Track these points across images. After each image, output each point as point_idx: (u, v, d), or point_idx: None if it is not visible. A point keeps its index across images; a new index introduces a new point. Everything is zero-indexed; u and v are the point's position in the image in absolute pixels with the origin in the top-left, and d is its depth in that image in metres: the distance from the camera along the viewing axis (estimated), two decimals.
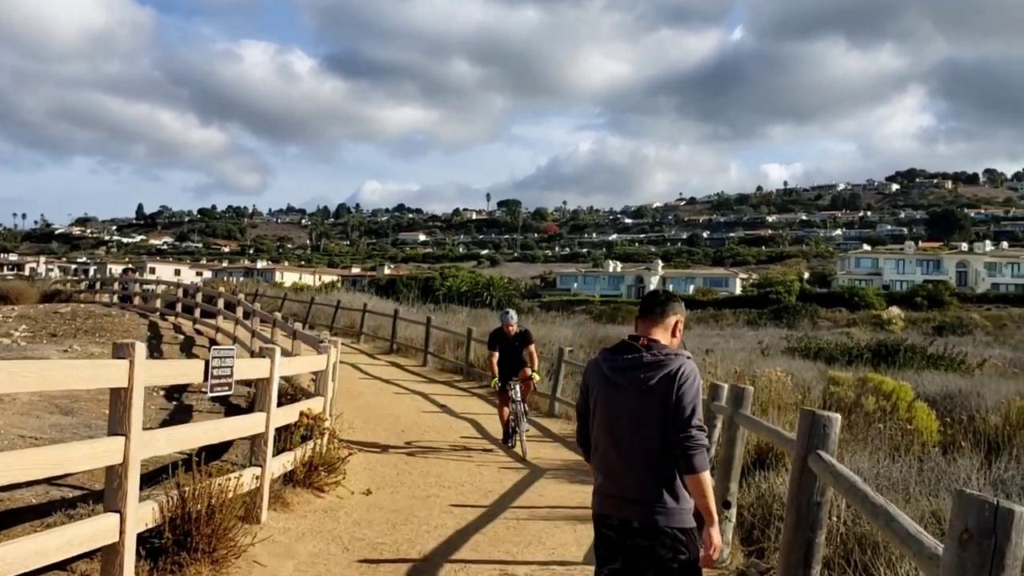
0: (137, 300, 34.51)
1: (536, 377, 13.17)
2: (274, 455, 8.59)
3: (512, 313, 13.60)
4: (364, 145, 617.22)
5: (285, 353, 16.47)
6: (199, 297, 27.51)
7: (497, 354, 13.10)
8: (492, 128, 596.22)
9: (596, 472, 4.15)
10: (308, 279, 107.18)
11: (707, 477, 3.90)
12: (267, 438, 7.74)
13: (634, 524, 3.89)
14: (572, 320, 44.10)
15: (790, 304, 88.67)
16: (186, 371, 7.17)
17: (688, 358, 4.08)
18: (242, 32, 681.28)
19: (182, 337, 24.12)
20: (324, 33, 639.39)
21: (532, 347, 13.28)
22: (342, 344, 28.26)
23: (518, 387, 12.86)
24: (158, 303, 31.53)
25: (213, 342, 24.16)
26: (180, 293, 30.28)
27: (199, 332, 25.95)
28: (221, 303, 25.03)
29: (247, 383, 16.34)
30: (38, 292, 38.44)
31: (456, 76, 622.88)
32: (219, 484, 6.79)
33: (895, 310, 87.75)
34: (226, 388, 7.17)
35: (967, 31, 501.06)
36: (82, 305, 32.33)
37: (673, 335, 4.15)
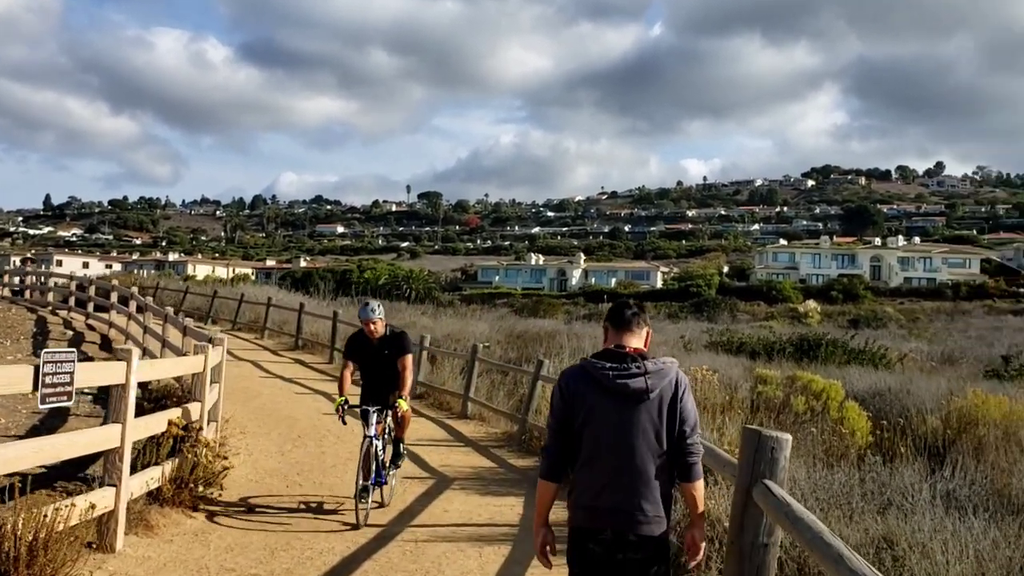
0: (29, 294, 32.58)
1: (404, 406, 9.07)
2: (138, 471, 7.43)
3: (375, 307, 9.17)
4: (281, 136, 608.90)
5: (176, 351, 15.23)
6: (92, 291, 25.83)
7: (353, 367, 9.39)
8: (412, 119, 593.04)
9: (583, 486, 3.94)
10: (222, 272, 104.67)
11: (703, 484, 4.03)
12: (122, 453, 6.55)
13: (630, 536, 3.83)
14: (493, 314, 43.15)
15: (710, 297, 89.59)
16: (10, 378, 5.93)
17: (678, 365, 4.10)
18: (154, 19, 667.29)
19: (71, 333, 22.49)
20: (239, 21, 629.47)
21: (408, 358, 9.10)
22: (245, 340, 27.15)
23: (384, 416, 9.20)
24: (50, 296, 29.70)
25: (105, 339, 22.64)
26: (73, 286, 28.49)
27: (91, 328, 24.33)
28: (114, 297, 23.45)
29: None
30: None
31: (374, 66, 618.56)
32: (48, 513, 5.62)
33: (811, 304, 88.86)
34: (64, 398, 6.01)
35: (880, 30, 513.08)
36: None
37: (645, 344, 4.10)
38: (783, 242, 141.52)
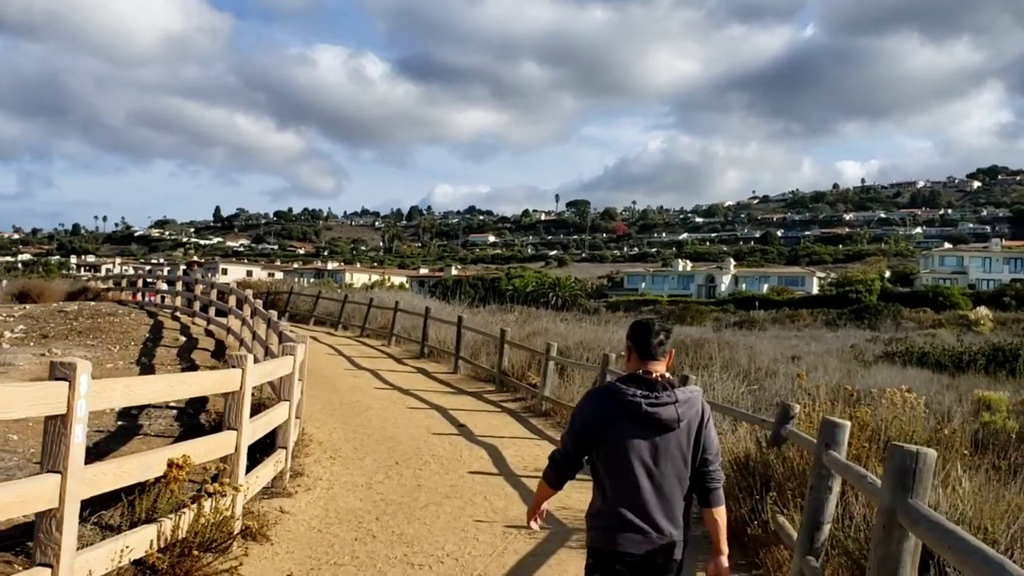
0: (158, 298, 31.89)
1: None
2: (117, 532, 5.40)
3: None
4: (435, 148, 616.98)
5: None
6: (213, 294, 24.64)
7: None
8: (561, 129, 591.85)
9: (611, 509, 3.97)
10: (389, 283, 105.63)
11: (724, 510, 4.10)
12: (61, 517, 4.46)
13: (658, 560, 3.91)
14: None
15: (871, 304, 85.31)
16: None
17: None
18: (316, 36, 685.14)
19: (184, 339, 21.20)
20: (395, 36, 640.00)
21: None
22: (370, 347, 25.55)
23: None
24: (178, 301, 28.81)
25: (221, 345, 21.28)
26: (181, 288, 27.57)
27: (210, 333, 23.07)
28: (232, 301, 22.08)
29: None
30: (63, 290, 36.07)
31: (525, 78, 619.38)
32: None
33: (983, 310, 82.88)
34: None
35: None
36: (92, 303, 29.72)
37: (668, 366, 4.09)
38: (948, 246, 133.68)
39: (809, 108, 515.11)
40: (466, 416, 14.67)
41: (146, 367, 17.43)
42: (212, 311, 24.34)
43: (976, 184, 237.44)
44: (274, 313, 16.72)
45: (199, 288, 27.55)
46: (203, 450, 6.51)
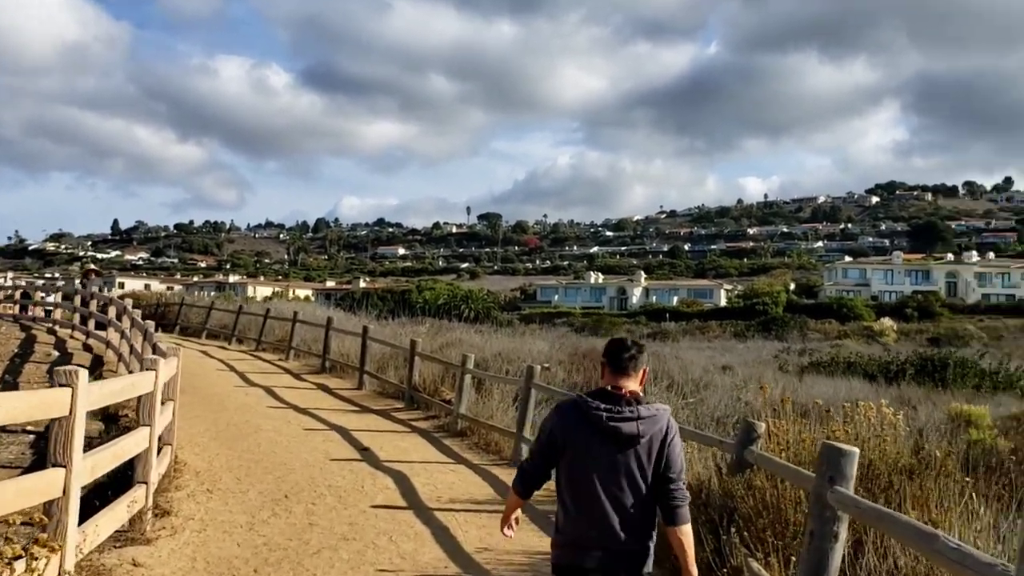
0: (41, 312, 29.45)
1: None
2: None
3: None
4: (343, 160, 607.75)
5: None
6: (93, 306, 22.53)
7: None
8: (471, 142, 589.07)
9: (569, 523, 3.99)
10: (290, 296, 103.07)
11: (690, 529, 4.05)
12: None
13: (621, 574, 3.92)
14: (552, 332, 39.37)
15: (778, 315, 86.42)
16: None
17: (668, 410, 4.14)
18: (218, 46, 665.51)
19: (57, 354, 19.11)
20: (299, 47, 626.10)
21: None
22: (266, 362, 23.69)
23: None
24: (57, 314, 26.52)
25: (99, 360, 19.29)
26: (60, 300, 25.31)
27: (88, 348, 21.01)
28: (112, 312, 20.06)
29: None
30: None
31: (434, 91, 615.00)
32: None
33: (887, 321, 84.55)
34: None
35: (940, 44, 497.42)
36: None
37: (641, 383, 4.13)
38: (848, 259, 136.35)
39: (713, 125, 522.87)
40: (371, 438, 13.07)
41: (9, 384, 15.45)
42: (92, 324, 22.26)
43: (875, 199, 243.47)
44: (151, 324, 14.89)
45: (78, 299, 25.36)
46: (10, 494, 4.87)
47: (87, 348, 21.02)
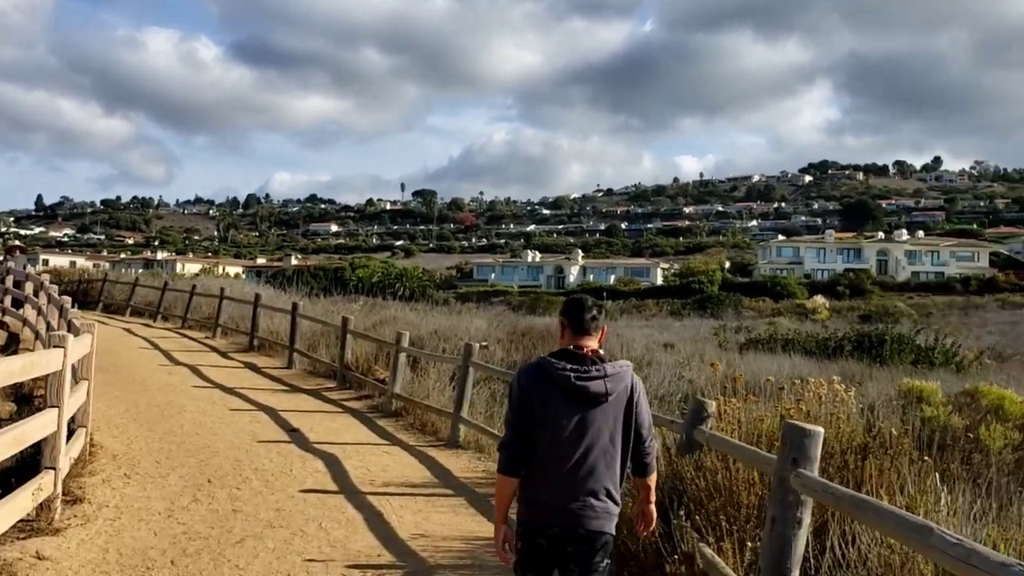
0: None
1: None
2: None
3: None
4: (274, 135, 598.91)
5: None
6: (9, 282, 21.54)
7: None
8: (405, 118, 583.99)
9: (536, 483, 3.97)
10: (219, 272, 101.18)
11: (655, 477, 4.29)
12: None
13: (580, 531, 3.91)
14: (490, 311, 39.03)
15: (713, 294, 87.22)
16: None
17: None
18: (145, 18, 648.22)
19: None
20: (229, 20, 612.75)
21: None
22: (192, 340, 22.90)
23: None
24: None
25: (14, 337, 18.47)
26: None
27: (3, 326, 20.08)
28: (29, 288, 19.18)
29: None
30: None
31: (367, 65, 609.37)
32: None
33: (819, 299, 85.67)
34: None
35: (872, 24, 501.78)
36: None
37: (599, 341, 4.13)
38: (782, 237, 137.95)
39: (648, 103, 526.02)
40: (300, 419, 12.54)
41: None
42: (8, 301, 21.30)
43: (808, 178, 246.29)
44: (68, 299, 14.17)
45: None
46: None
47: (2, 326, 20.09)
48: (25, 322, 18.93)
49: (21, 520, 6.58)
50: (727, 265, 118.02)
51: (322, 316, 19.57)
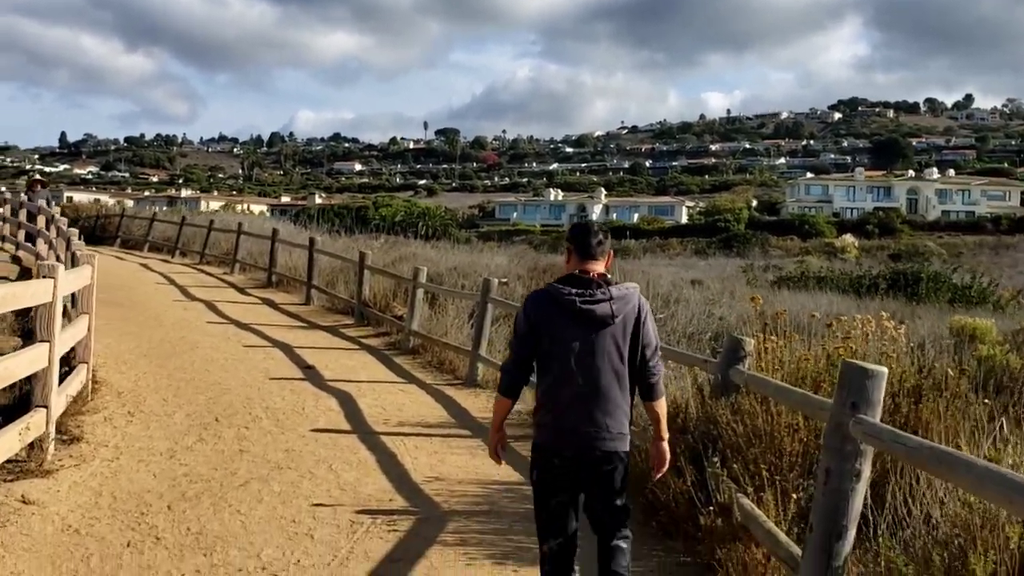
0: None
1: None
2: None
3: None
4: (297, 72, 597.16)
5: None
6: (23, 216, 21.19)
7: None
8: (428, 54, 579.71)
9: (549, 407, 4.03)
10: (240, 209, 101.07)
11: (664, 401, 4.28)
12: None
13: (596, 453, 3.95)
14: (511, 250, 38.50)
15: (739, 232, 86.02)
16: None
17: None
18: None
19: None
20: None
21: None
22: (210, 276, 22.53)
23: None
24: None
25: (27, 272, 18.09)
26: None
27: (17, 260, 19.74)
28: (41, 222, 18.79)
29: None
30: None
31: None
32: None
33: (849, 238, 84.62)
34: None
35: None
36: None
37: (606, 266, 4.16)
38: (810, 175, 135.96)
39: (674, 38, 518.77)
40: (316, 355, 12.14)
41: None
42: (22, 235, 20.97)
43: (837, 115, 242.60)
44: (75, 231, 13.77)
45: (6, 209, 23.94)
46: None
47: (16, 260, 19.74)
48: (38, 256, 18.57)
49: (9, 461, 6.20)
50: (754, 203, 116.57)
51: (342, 252, 19.07)
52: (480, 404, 9.75)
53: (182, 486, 6.40)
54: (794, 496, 4.69)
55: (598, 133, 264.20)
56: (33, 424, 6.25)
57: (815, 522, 3.77)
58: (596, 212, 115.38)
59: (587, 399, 3.94)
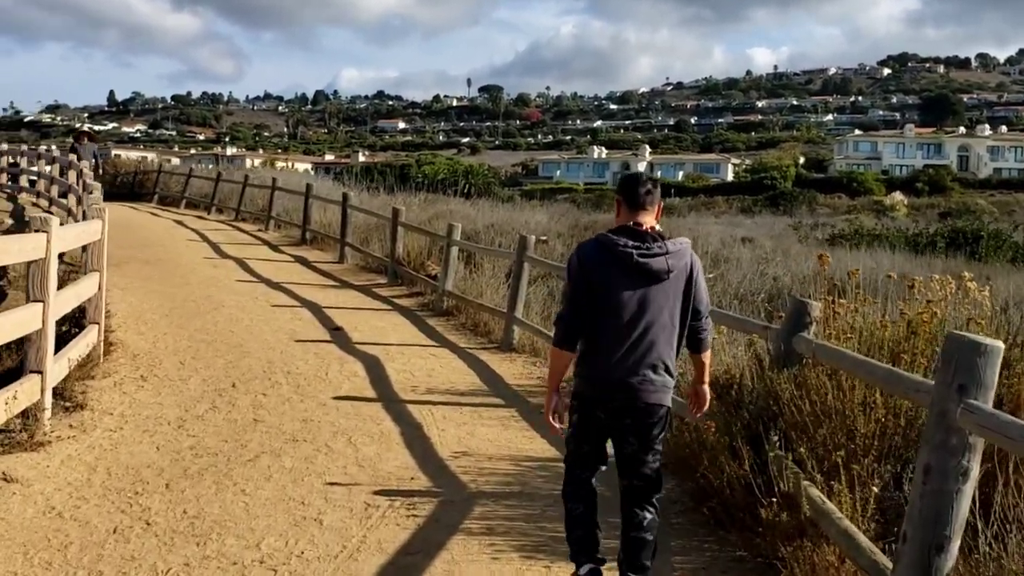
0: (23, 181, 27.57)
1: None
2: None
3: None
4: (340, 30, 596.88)
5: None
6: (56, 171, 20.80)
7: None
8: (471, 11, 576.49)
9: (597, 358, 3.95)
10: (281, 166, 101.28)
11: (711, 353, 4.28)
12: None
13: (640, 404, 3.92)
14: (553, 208, 37.76)
15: (786, 190, 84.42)
16: None
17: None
18: None
19: (11, 223, 17.53)
20: None
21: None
22: (244, 232, 22.06)
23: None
24: (23, 181, 24.81)
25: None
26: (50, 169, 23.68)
27: (49, 215, 19.41)
28: (72, 177, 18.36)
29: None
30: None
31: None
32: None
33: (898, 195, 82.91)
34: None
35: None
36: None
37: (656, 218, 4.08)
38: (859, 132, 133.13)
39: None
40: (346, 316, 11.58)
41: None
42: (55, 191, 20.60)
43: (886, 71, 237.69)
44: (97, 186, 13.31)
45: (53, 168, 23.58)
46: None
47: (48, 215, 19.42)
48: (69, 212, 18.20)
49: (3, 431, 5.70)
50: (801, 161, 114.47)
51: (379, 210, 18.47)
52: (516, 370, 9.13)
53: (186, 461, 5.85)
54: (875, 490, 4.02)
55: (643, 90, 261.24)
56: (23, 392, 5.69)
57: (910, 530, 3.10)
58: (641, 169, 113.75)
59: (637, 351, 3.89)
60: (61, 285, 7.00)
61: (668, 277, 3.89)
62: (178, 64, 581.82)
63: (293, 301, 12.64)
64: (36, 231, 6.10)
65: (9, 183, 26.01)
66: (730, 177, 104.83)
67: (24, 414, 5.91)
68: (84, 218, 9.78)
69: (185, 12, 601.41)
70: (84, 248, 8.69)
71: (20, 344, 6.27)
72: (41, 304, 6.02)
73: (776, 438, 4.83)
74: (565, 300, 4.14)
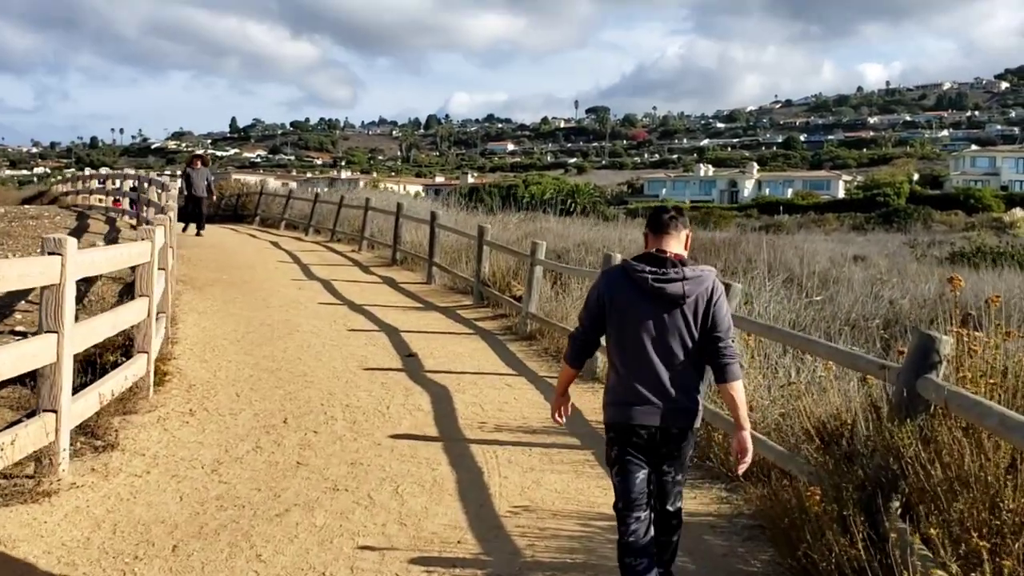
0: (125, 204, 27.72)
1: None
2: None
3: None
4: (451, 55, 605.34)
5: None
6: (152, 194, 20.70)
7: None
8: (578, 34, 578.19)
9: (622, 384, 3.97)
10: (392, 188, 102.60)
11: (742, 385, 4.04)
12: None
13: (673, 431, 3.92)
14: None
15: (900, 207, 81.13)
16: None
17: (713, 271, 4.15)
18: None
19: (102, 243, 17.49)
20: None
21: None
22: (337, 254, 21.69)
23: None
24: (124, 203, 24.98)
25: None
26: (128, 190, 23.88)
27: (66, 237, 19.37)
28: (164, 198, 18.21)
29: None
30: (20, 195, 32.28)
31: None
32: None
33: (1019, 212, 78.93)
34: None
35: None
36: (34, 208, 25.80)
37: (685, 247, 4.09)
38: (976, 147, 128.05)
39: (829, 8, 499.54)
40: (423, 341, 10.87)
41: None
42: (150, 212, 20.55)
43: (1004, 85, 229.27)
44: (172, 207, 12.97)
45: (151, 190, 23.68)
46: None
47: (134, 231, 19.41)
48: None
49: (7, 477, 5.11)
50: (915, 177, 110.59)
51: (468, 228, 17.79)
52: (597, 403, 8.21)
53: (207, 514, 5.16)
54: None
55: (750, 108, 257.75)
56: (28, 435, 5.06)
57: None
58: (748, 187, 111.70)
59: (662, 376, 3.89)
60: (97, 312, 6.44)
61: (685, 302, 3.88)
62: (296, 91, 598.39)
63: (372, 325, 12.00)
64: (49, 253, 5.47)
65: (131, 207, 26.25)
66: (841, 194, 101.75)
67: (38, 459, 5.31)
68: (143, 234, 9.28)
69: (303, 40, 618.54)
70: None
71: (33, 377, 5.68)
72: (55, 335, 5.41)
73: (897, 506, 3.88)
74: (580, 322, 4.16)
